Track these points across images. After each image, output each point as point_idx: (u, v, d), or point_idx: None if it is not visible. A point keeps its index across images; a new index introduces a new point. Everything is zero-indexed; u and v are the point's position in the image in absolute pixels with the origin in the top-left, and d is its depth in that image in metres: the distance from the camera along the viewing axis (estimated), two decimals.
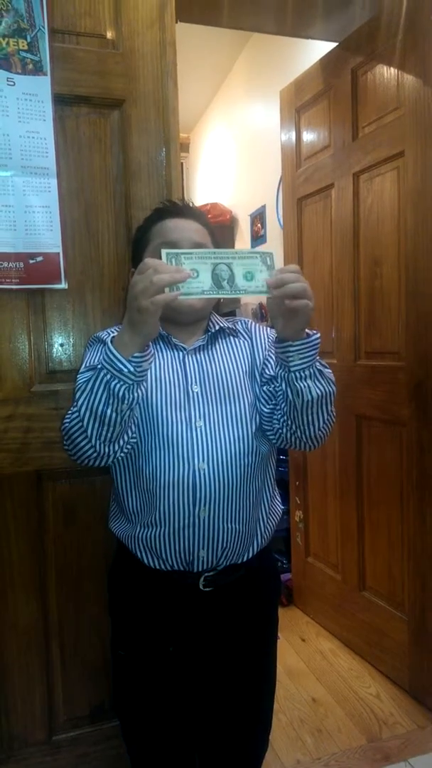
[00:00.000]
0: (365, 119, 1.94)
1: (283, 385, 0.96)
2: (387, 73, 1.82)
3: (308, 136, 2.26)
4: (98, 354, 1.05)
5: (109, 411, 0.89)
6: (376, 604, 2.01)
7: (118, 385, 0.87)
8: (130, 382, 0.88)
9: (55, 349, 1.36)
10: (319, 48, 2.17)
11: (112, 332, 1.10)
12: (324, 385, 0.95)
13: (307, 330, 0.93)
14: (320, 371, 0.95)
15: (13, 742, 1.39)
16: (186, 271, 0.83)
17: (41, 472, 1.35)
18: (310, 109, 2.23)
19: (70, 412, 0.96)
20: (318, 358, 0.95)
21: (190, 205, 1.16)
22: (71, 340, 1.36)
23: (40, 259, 1.29)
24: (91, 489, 1.39)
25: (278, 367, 0.96)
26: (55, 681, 1.42)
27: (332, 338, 2.16)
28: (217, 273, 0.86)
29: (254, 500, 1.07)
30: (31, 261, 1.28)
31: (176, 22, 1.45)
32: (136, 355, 0.87)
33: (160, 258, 0.85)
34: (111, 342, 0.88)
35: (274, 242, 2.99)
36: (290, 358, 0.92)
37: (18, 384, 1.33)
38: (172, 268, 0.83)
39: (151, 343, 1.04)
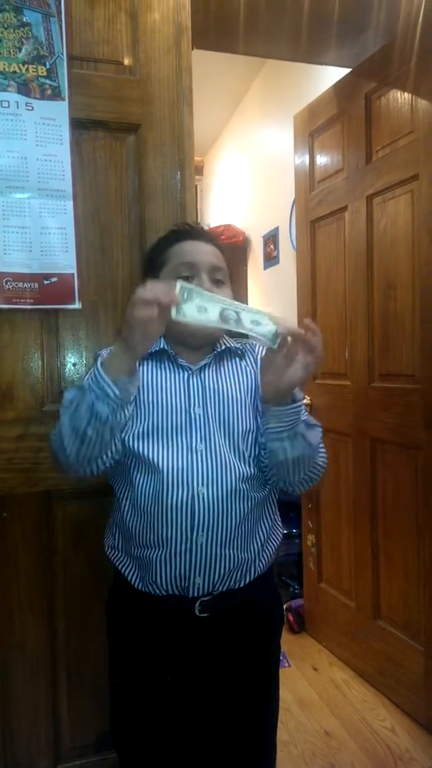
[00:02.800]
0: (379, 143, 1.95)
1: (263, 438, 0.97)
2: (401, 97, 1.83)
3: (322, 160, 2.28)
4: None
5: (89, 431, 0.90)
6: (392, 634, 1.95)
7: (102, 407, 0.88)
8: (114, 405, 0.89)
9: (67, 369, 1.36)
10: (333, 74, 2.20)
11: None
12: (302, 447, 0.95)
13: (295, 392, 0.93)
14: (302, 434, 0.94)
15: None
16: (174, 297, 0.85)
17: (51, 493, 1.35)
18: (323, 133, 2.25)
19: (56, 426, 0.97)
20: (307, 416, 0.95)
21: (205, 229, 1.16)
22: (84, 360, 1.36)
23: (54, 279, 1.30)
24: (100, 510, 1.37)
25: (261, 420, 0.98)
26: (61, 707, 1.40)
27: (346, 360, 2.15)
28: (225, 315, 0.88)
29: (252, 527, 1.05)
30: (45, 281, 1.29)
31: (192, 49, 1.48)
32: (122, 378, 0.88)
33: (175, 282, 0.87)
34: (101, 363, 0.90)
35: (287, 263, 3.00)
36: (267, 420, 0.93)
37: (30, 403, 1.32)
38: (163, 289, 0.85)
39: (153, 364, 1.04)
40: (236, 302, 0.91)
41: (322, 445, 1.03)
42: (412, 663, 1.86)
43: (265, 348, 1.11)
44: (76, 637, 1.39)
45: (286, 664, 2.18)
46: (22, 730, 1.36)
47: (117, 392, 0.88)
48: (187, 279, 0.99)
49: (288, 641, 2.34)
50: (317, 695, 2.02)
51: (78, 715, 1.41)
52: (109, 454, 0.97)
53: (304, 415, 0.96)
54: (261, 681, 1.12)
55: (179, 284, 0.86)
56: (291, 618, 2.45)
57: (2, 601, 1.33)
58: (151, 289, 0.84)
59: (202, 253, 1.07)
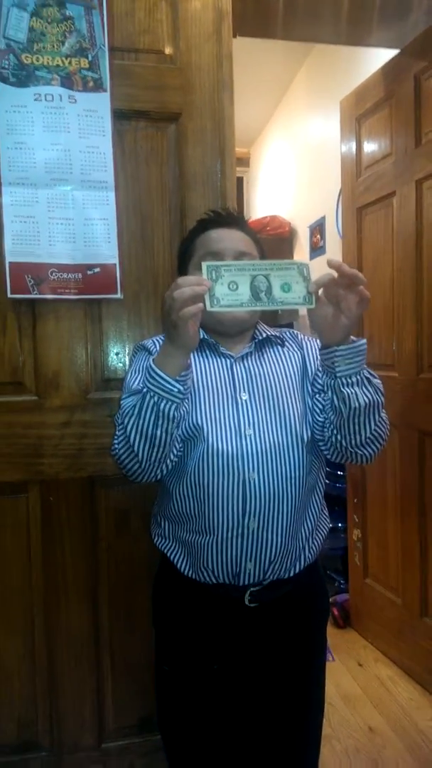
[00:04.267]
0: (429, 125, 1.87)
1: (330, 392, 0.94)
2: None
3: (369, 145, 2.21)
4: (141, 373, 1.05)
5: (159, 432, 0.90)
6: None
7: (167, 406, 0.88)
8: (178, 401, 0.89)
9: (110, 358, 1.38)
10: (381, 57, 2.14)
11: (158, 341, 1.10)
12: (371, 393, 0.93)
13: (352, 337, 0.91)
14: (368, 378, 0.93)
15: (63, 747, 1.40)
16: (206, 282, 0.84)
17: (94, 478, 1.37)
18: (370, 117, 2.19)
19: (117, 437, 0.97)
20: (366, 367, 0.93)
21: (235, 214, 1.15)
22: (126, 349, 1.38)
23: (97, 270, 1.32)
24: (142, 496, 1.39)
25: (324, 375, 0.95)
26: (106, 689, 1.43)
27: (393, 351, 2.09)
28: (255, 285, 0.86)
29: (302, 513, 1.04)
30: (89, 272, 1.32)
31: (234, 37, 1.46)
32: (182, 373, 0.88)
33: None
34: (153, 363, 0.89)
35: (334, 252, 2.94)
36: (336, 364, 0.90)
37: (75, 391, 1.36)
38: (193, 280, 0.84)
39: (195, 353, 1.04)
40: (263, 261, 0.89)
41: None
42: None
43: (309, 337, 1.10)
44: (118, 622, 1.42)
45: (331, 659, 2.16)
46: (68, 711, 1.40)
47: (180, 388, 0.88)
48: None
49: (333, 636, 2.31)
50: (362, 691, 1.99)
51: (121, 698, 1.44)
52: (175, 451, 0.98)
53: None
54: (307, 672, 1.11)
55: (205, 266, 0.86)
56: (336, 613, 2.42)
57: (49, 583, 1.38)
58: (184, 285, 0.84)
59: (228, 239, 1.06)
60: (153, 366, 0.89)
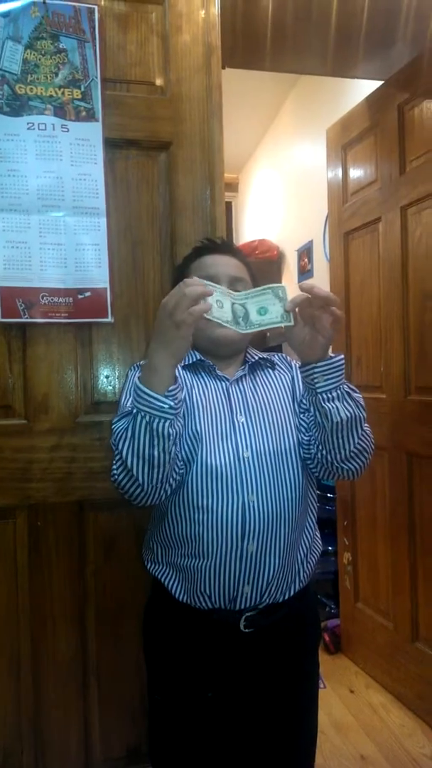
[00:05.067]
0: (413, 153, 1.93)
1: (312, 409, 0.96)
2: None
3: (355, 172, 2.27)
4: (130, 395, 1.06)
5: (156, 452, 0.88)
6: (431, 657, 1.88)
7: (160, 424, 0.86)
8: (171, 417, 0.87)
9: (100, 381, 1.38)
10: (366, 87, 2.20)
11: None
12: (353, 407, 0.94)
13: (331, 353, 0.93)
14: (348, 393, 0.94)
15: None
16: (210, 289, 0.85)
17: (83, 503, 1.37)
18: (356, 145, 2.25)
19: (114, 462, 0.95)
20: (345, 381, 0.95)
21: (228, 243, 1.18)
22: (116, 372, 1.39)
23: (88, 294, 1.33)
24: (131, 521, 1.39)
25: (306, 392, 0.96)
26: (92, 718, 1.40)
27: (381, 372, 2.11)
28: (234, 310, 0.89)
29: (299, 534, 1.04)
30: (79, 296, 1.33)
31: (223, 68, 1.51)
32: (170, 388, 0.87)
33: None
34: (139, 381, 0.88)
35: (321, 276, 2.99)
36: (316, 380, 0.92)
37: (64, 414, 1.35)
38: (200, 282, 0.86)
39: (192, 375, 1.05)
40: (237, 292, 0.92)
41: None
42: None
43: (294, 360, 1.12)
44: (107, 648, 1.40)
45: (322, 686, 2.13)
46: (54, 740, 1.37)
47: (171, 403, 0.87)
48: None
49: (324, 662, 2.28)
50: (353, 718, 1.96)
51: (109, 726, 1.40)
52: (177, 469, 0.97)
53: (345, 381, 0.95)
54: (300, 700, 1.10)
55: (198, 279, 0.88)
56: (327, 638, 2.39)
57: (36, 608, 1.35)
58: (193, 284, 0.84)
59: (222, 265, 1.09)
60: (139, 384, 0.87)
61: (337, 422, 0.93)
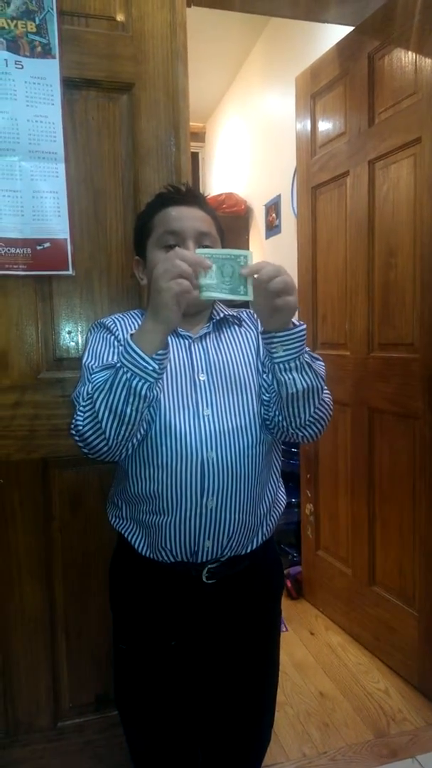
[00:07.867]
0: (382, 105, 1.89)
1: (269, 376, 0.95)
2: (404, 57, 1.77)
3: (324, 124, 2.22)
4: (104, 344, 1.04)
5: (129, 410, 0.88)
6: (386, 600, 1.98)
7: (140, 384, 0.87)
8: (152, 380, 0.87)
9: (62, 337, 1.35)
10: (336, 32, 2.13)
11: (118, 320, 1.09)
12: (310, 378, 0.94)
13: (293, 320, 0.92)
14: (308, 363, 0.93)
15: (19, 727, 1.40)
16: (208, 262, 0.85)
17: (47, 460, 1.35)
18: (325, 95, 2.19)
19: (81, 412, 0.94)
20: (308, 350, 0.94)
21: (194, 190, 1.13)
22: (79, 327, 1.35)
23: (47, 245, 1.28)
24: (97, 476, 1.38)
25: (265, 358, 0.96)
26: (61, 669, 1.43)
27: (346, 330, 2.13)
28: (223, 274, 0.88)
29: (260, 490, 1.05)
30: (38, 247, 1.28)
31: (189, 6, 1.42)
32: (159, 352, 0.87)
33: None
34: (130, 338, 0.87)
35: (289, 232, 2.95)
36: (274, 350, 0.91)
37: (25, 371, 1.32)
38: (196, 256, 0.85)
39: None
40: (210, 250, 0.90)
41: (326, 388, 1.02)
42: (406, 628, 1.89)
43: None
44: (74, 601, 1.42)
45: (284, 629, 2.23)
46: (23, 691, 1.40)
47: (156, 367, 0.86)
48: (172, 248, 0.97)
49: (286, 607, 2.38)
50: (313, 658, 2.07)
51: (77, 676, 1.44)
52: (142, 431, 0.97)
53: (307, 348, 0.95)
54: (263, 644, 1.14)
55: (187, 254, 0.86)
56: (289, 584, 2.49)
57: (2, 566, 1.35)
58: (182, 260, 0.83)
59: (188, 218, 1.04)
60: (130, 342, 0.87)
61: (293, 393, 0.94)
